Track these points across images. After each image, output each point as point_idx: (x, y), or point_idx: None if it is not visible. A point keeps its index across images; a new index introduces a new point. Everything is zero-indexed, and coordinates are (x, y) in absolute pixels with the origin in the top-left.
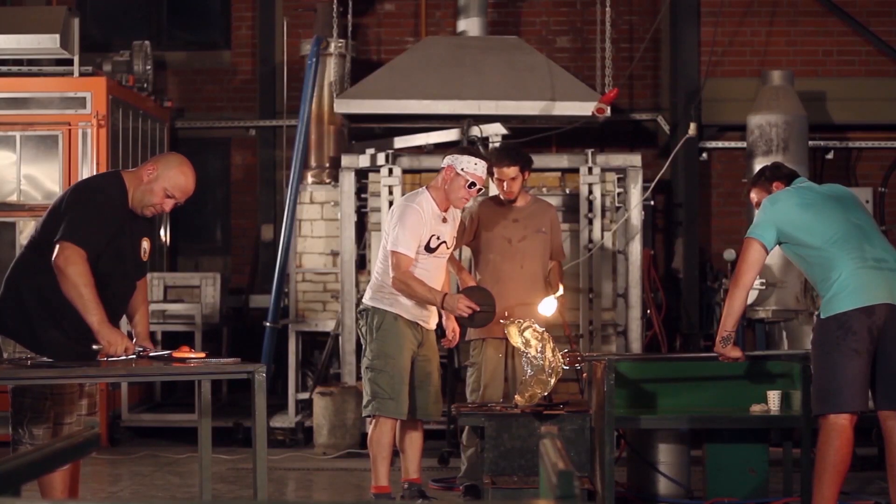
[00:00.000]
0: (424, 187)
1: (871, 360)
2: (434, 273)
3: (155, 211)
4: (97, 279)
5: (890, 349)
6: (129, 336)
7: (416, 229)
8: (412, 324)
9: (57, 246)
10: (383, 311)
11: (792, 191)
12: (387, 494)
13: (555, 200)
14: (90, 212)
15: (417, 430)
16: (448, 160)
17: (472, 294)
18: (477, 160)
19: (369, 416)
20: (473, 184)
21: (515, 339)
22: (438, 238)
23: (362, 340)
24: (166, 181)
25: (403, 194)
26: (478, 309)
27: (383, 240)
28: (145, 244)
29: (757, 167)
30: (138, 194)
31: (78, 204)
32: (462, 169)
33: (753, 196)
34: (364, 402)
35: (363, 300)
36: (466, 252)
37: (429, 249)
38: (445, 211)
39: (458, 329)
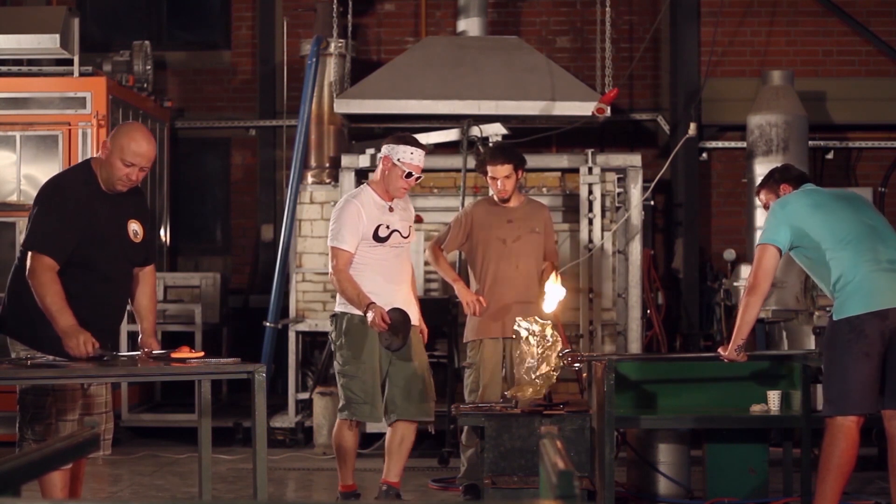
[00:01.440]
0: (366, 182)
1: (882, 361)
2: (390, 263)
3: (124, 184)
4: (79, 266)
5: None
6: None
7: (353, 223)
8: None
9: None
10: (351, 314)
11: (801, 193)
12: (354, 492)
13: (555, 200)
14: (49, 213)
15: (409, 432)
16: (385, 150)
17: (393, 314)
18: (413, 149)
19: (348, 420)
20: (411, 174)
21: (525, 338)
22: (388, 227)
23: (332, 346)
24: (119, 151)
25: None
26: (385, 328)
27: None
28: (134, 226)
29: (757, 167)
30: (104, 173)
31: (39, 207)
32: (398, 159)
33: (763, 197)
34: (340, 406)
35: (336, 308)
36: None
37: (378, 239)
38: (390, 201)
39: (426, 330)
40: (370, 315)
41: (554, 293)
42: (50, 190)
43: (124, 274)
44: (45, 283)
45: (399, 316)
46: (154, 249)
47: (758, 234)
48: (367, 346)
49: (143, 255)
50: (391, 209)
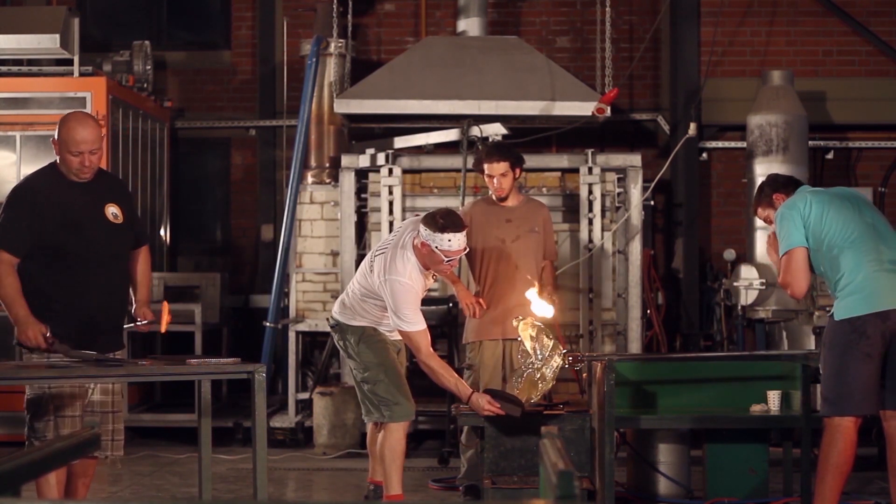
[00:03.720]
0: (410, 248)
1: (882, 362)
2: None
3: (85, 172)
4: (53, 253)
5: None
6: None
7: (416, 302)
8: (386, 334)
9: None
10: (361, 326)
11: (804, 194)
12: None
13: (555, 200)
14: (6, 211)
15: None
16: (423, 235)
17: (497, 397)
18: (451, 236)
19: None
20: (451, 259)
21: (526, 338)
22: (425, 292)
23: (342, 353)
24: (64, 146)
25: (404, 194)
26: (502, 413)
27: (364, 269)
28: (113, 209)
29: (757, 167)
30: (64, 169)
31: (2, 207)
32: (436, 247)
33: (760, 213)
34: (367, 410)
35: (333, 314)
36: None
37: None
38: (430, 270)
39: None
40: (479, 408)
41: (534, 300)
42: (12, 190)
43: (109, 257)
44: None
45: (506, 399)
46: (142, 230)
47: (758, 234)
48: (383, 349)
49: (128, 236)
50: (433, 276)
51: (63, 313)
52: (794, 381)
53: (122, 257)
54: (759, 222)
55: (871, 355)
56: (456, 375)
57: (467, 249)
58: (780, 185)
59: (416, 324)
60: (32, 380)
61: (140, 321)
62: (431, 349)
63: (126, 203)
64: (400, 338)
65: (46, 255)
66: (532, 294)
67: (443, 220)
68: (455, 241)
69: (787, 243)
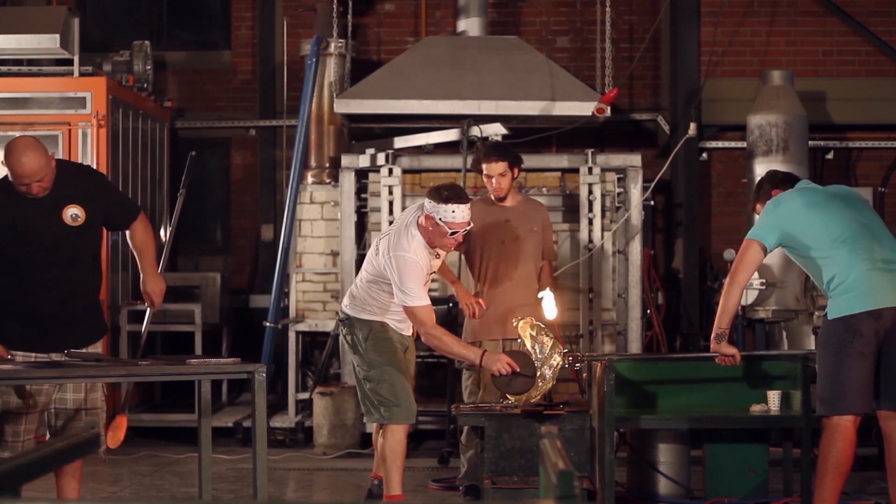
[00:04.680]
0: (415, 225)
1: (876, 361)
2: None
3: (32, 195)
4: (6, 262)
5: (894, 350)
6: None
7: (420, 279)
8: (394, 331)
9: None
10: (369, 321)
11: (795, 192)
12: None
13: (555, 200)
14: None
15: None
16: (427, 208)
17: (514, 356)
18: (455, 207)
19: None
20: (456, 231)
21: (526, 338)
22: (430, 273)
23: (348, 348)
24: (11, 177)
25: (404, 194)
26: (518, 369)
27: (371, 255)
28: (73, 210)
29: (757, 167)
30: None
31: None
32: (440, 219)
33: (759, 208)
34: (367, 410)
35: (343, 308)
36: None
37: None
38: (435, 248)
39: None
40: (495, 366)
41: (548, 300)
42: None
43: (66, 260)
44: None
45: (523, 358)
46: (128, 206)
47: None
48: (390, 348)
49: (90, 236)
50: (437, 255)
51: (24, 316)
52: (794, 381)
53: (83, 258)
54: None
55: (865, 354)
56: (464, 342)
57: (471, 224)
58: (779, 182)
59: (420, 299)
60: (32, 379)
61: (147, 307)
62: (435, 323)
63: (92, 197)
64: (409, 332)
65: (3, 263)
66: (548, 295)
67: (447, 192)
68: (459, 213)
69: (755, 233)
